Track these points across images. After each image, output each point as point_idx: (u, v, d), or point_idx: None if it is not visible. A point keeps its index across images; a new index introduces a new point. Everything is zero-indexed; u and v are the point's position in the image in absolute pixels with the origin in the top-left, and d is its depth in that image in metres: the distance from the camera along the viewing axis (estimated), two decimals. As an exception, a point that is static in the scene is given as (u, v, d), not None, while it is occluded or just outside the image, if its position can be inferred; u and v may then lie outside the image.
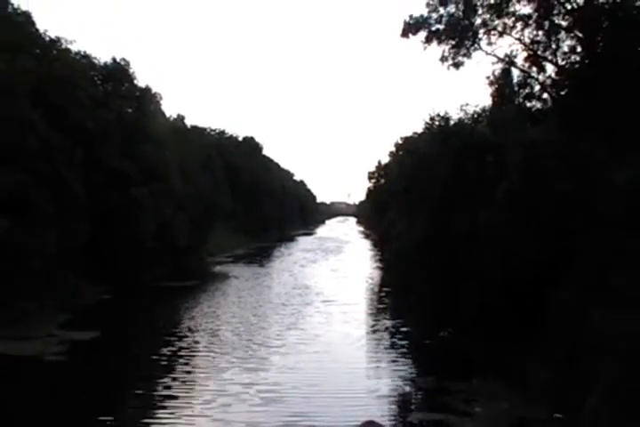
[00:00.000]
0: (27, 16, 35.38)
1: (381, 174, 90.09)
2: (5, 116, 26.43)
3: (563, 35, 25.19)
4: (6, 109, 26.56)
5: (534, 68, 26.78)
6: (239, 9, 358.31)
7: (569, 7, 24.44)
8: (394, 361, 23.68)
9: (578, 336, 16.61)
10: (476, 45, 27.24)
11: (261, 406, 17.83)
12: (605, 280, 16.54)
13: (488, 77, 28.61)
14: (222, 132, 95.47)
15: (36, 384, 19.97)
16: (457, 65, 27.71)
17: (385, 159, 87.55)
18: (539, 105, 27.52)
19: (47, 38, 37.09)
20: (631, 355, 13.54)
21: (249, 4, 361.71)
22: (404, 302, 36.41)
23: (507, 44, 26.79)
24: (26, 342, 24.44)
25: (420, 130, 42.66)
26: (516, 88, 27.92)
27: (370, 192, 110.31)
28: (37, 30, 36.30)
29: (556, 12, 24.98)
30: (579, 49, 24.71)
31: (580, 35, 24.32)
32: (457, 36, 27.05)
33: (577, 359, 16.33)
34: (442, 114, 32.31)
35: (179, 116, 68.31)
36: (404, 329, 29.70)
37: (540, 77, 26.69)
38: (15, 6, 34.36)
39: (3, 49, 28.01)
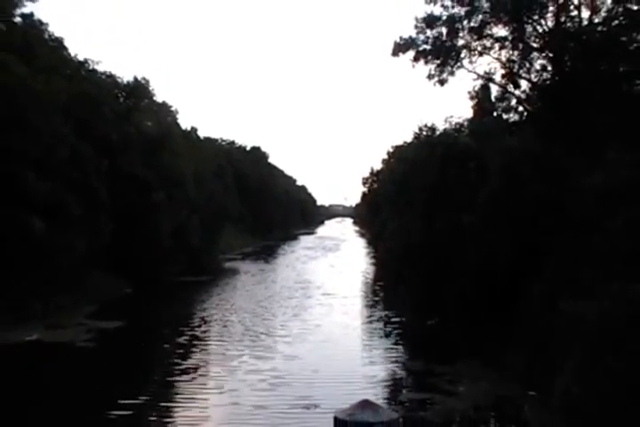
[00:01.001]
0: (59, 41, 35.80)
1: (374, 180, 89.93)
2: (41, 130, 26.73)
3: (535, 55, 25.49)
4: (42, 124, 26.86)
5: (510, 84, 27.06)
6: (241, 34, 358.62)
7: (540, 30, 24.77)
8: (387, 347, 23.75)
9: (549, 323, 16.71)
10: (458, 64, 27.44)
11: (268, 390, 17.76)
12: (574, 274, 16.66)
13: (470, 92, 28.97)
14: (232, 143, 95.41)
15: (67, 367, 20.23)
16: (442, 82, 27.92)
17: (378, 166, 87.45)
18: (515, 117, 27.82)
19: (76, 60, 37.49)
20: (595, 340, 13.70)
21: (251, 29, 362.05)
22: (396, 295, 36.36)
23: (486, 63, 27.11)
24: (59, 330, 24.78)
25: (409, 139, 42.77)
26: (495, 102, 28.19)
27: (364, 196, 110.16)
28: (69, 54, 36.77)
29: (528, 34, 25.28)
30: (549, 67, 25.00)
31: (551, 55, 24.63)
32: (442, 55, 27.26)
33: (548, 344, 16.44)
34: (429, 125, 32.54)
35: (192, 128, 68.34)
36: (396, 319, 29.68)
37: (516, 92, 26.98)
38: (50, 33, 35.00)
39: (39, 71, 28.37)
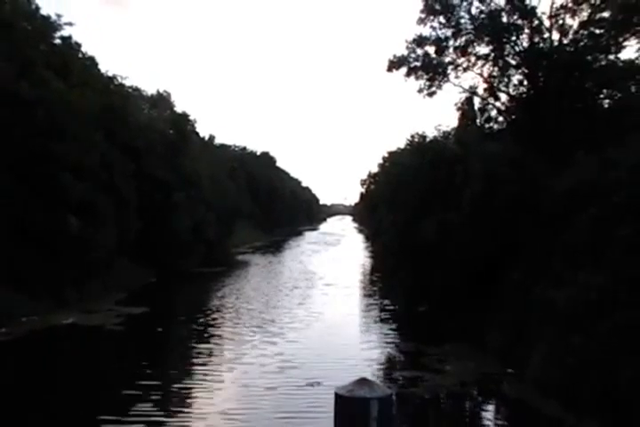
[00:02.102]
0: (92, 59, 36.24)
1: (372, 181, 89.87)
2: (76, 138, 27.16)
3: (513, 71, 25.81)
4: (77, 132, 27.30)
5: (491, 97, 27.36)
6: (251, 52, 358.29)
7: (517, 50, 25.12)
8: (383, 332, 23.66)
9: (525, 309, 17.00)
10: (445, 79, 27.75)
11: (275, 373, 17.29)
12: (546, 265, 16.91)
13: (456, 104, 29.20)
14: (243, 149, 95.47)
15: (98, 347, 20.64)
16: (431, 94, 28.22)
17: (374, 169, 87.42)
18: (495, 126, 28.05)
19: (106, 76, 37.89)
20: (563, 322, 13.98)
21: (259, 45, 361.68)
22: (390, 285, 36.10)
23: (470, 78, 27.58)
24: (91, 314, 25.02)
25: (402, 145, 42.83)
26: (478, 112, 28.46)
27: (362, 195, 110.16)
28: (99, 70, 37.11)
29: (507, 53, 25.59)
30: (525, 82, 25.33)
31: (526, 71, 24.96)
32: (430, 71, 27.56)
33: (524, 327, 16.69)
34: (420, 133, 32.49)
35: (210, 136, 68.69)
36: (391, 307, 29.62)
37: (496, 104, 27.31)
38: (84, 52, 35.46)
39: (75, 86, 28.85)
